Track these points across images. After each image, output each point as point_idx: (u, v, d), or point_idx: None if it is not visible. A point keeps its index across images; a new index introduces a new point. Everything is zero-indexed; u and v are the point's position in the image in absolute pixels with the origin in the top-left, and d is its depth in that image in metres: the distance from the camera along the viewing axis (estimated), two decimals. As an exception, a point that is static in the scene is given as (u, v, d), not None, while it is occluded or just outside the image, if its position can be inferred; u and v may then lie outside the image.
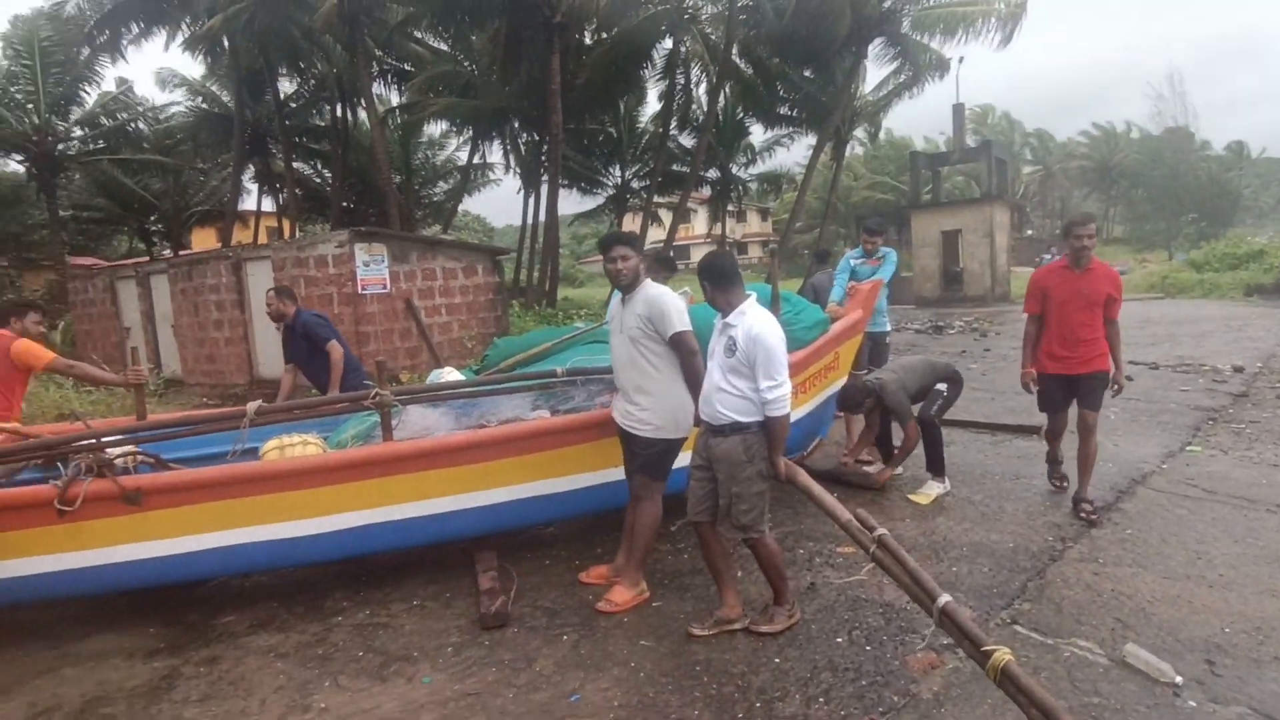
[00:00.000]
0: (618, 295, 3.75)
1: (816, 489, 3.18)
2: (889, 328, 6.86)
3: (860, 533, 2.91)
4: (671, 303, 3.52)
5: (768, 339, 3.14)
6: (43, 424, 5.60)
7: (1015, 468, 5.70)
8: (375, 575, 4.16)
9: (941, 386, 5.32)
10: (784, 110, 24.21)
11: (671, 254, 6.59)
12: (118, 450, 3.51)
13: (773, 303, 4.41)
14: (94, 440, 3.43)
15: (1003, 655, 2.34)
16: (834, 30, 17.35)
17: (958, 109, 25.39)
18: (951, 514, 4.77)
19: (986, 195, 23.91)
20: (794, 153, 45.10)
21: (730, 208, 33.14)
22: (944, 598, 2.58)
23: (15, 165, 24.59)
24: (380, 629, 3.50)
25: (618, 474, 3.87)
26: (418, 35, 21.71)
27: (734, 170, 28.13)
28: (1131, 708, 2.70)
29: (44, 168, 22.00)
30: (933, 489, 5.13)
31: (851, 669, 2.99)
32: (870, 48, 20.80)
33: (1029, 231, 54.26)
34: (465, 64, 21.99)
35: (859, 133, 28.80)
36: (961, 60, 28.43)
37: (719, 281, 3.30)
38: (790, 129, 25.42)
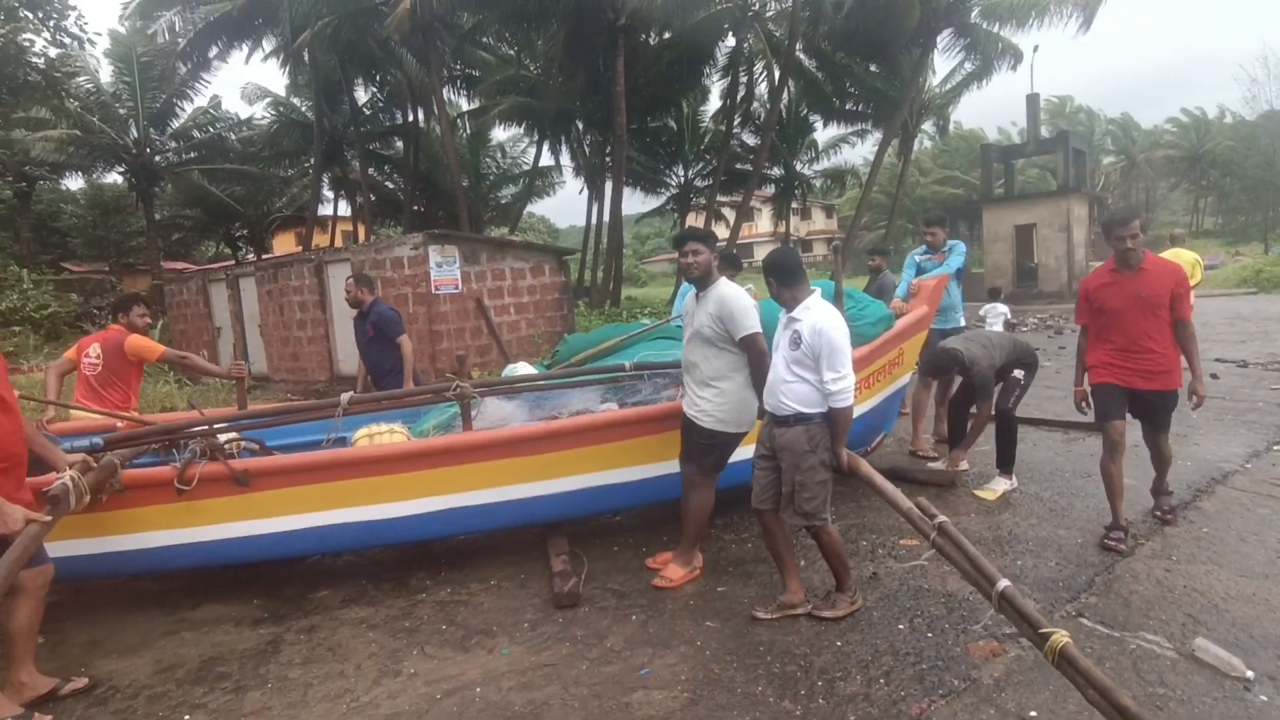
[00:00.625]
0: (691, 291, 3.90)
1: (878, 478, 3.26)
2: (963, 323, 6.72)
3: (921, 520, 2.98)
4: (742, 304, 3.65)
5: (832, 332, 3.24)
6: (151, 415, 6.10)
7: (1087, 466, 5.60)
8: (455, 558, 4.42)
9: (1019, 373, 5.26)
10: (849, 106, 23.90)
11: (735, 252, 6.69)
12: (225, 436, 3.86)
13: (836, 298, 4.47)
14: (207, 426, 3.79)
15: (1060, 638, 2.39)
16: (901, 23, 17.06)
17: (1032, 99, 24.53)
18: (1019, 510, 4.75)
19: (1063, 188, 23.03)
20: (860, 149, 44.27)
21: (794, 205, 32.84)
22: (1003, 582, 2.63)
23: (116, 177, 26.41)
24: (461, 606, 3.74)
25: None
26: (485, 41, 22.32)
27: (798, 167, 27.88)
28: (1198, 699, 2.70)
29: (142, 179, 23.50)
30: (999, 485, 5.09)
31: (913, 653, 3.06)
32: (938, 39, 20.36)
33: (1110, 225, 51.83)
34: (531, 68, 22.49)
35: (927, 126, 28.11)
36: (1036, 49, 27.44)
37: (784, 278, 3.41)
38: (856, 125, 25.07)
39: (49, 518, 2.77)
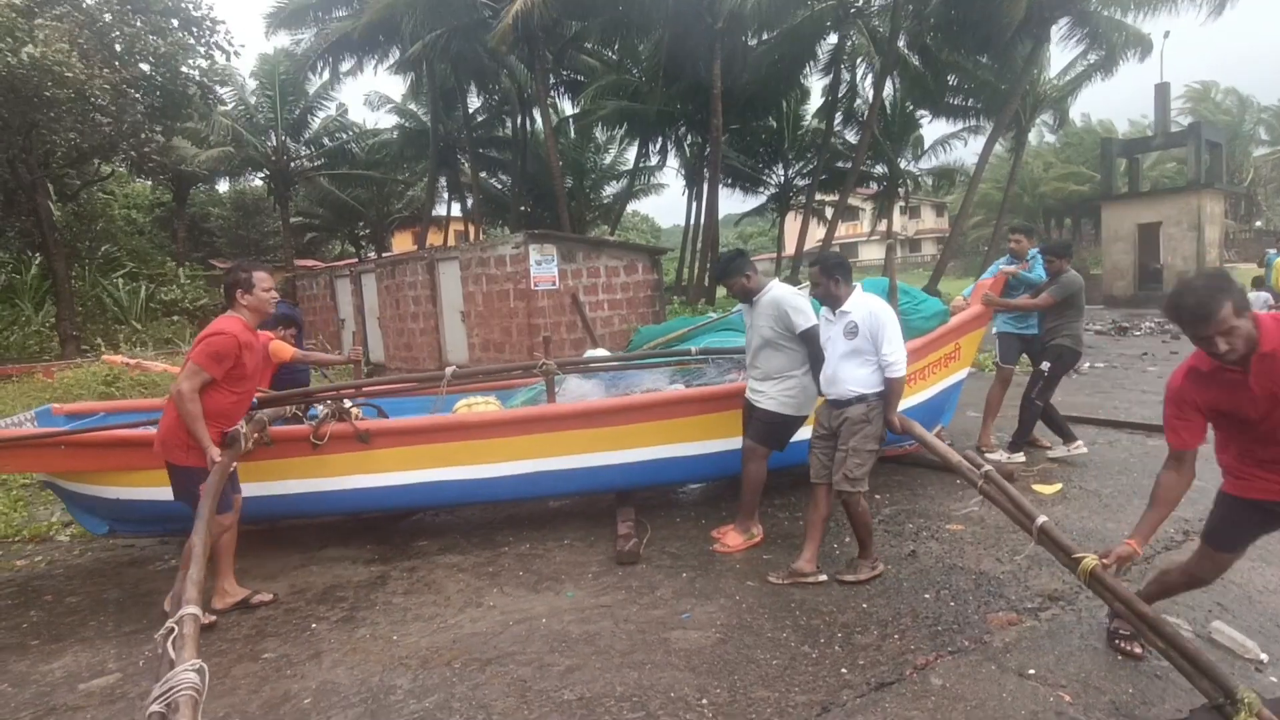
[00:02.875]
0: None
1: (930, 437, 3.69)
2: (1015, 328, 6.65)
3: (969, 470, 3.30)
4: (796, 302, 4.07)
5: (882, 314, 3.70)
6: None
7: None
8: (535, 520, 5.02)
9: (1045, 366, 5.50)
10: (956, 100, 23.20)
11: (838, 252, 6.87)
12: (349, 403, 4.61)
13: (890, 295, 4.75)
14: (335, 389, 4.55)
15: (1090, 560, 2.68)
16: (1009, 14, 16.52)
17: (1160, 89, 23.00)
18: (1072, 504, 4.86)
19: (1193, 183, 21.53)
20: (973, 145, 42.58)
21: (900, 203, 32.07)
22: (1041, 518, 2.93)
23: (257, 181, 29.15)
24: (536, 558, 4.31)
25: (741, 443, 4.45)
26: (589, 47, 23.17)
27: (903, 164, 27.28)
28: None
29: (280, 183, 25.87)
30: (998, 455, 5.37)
31: (931, 617, 3.36)
32: (1054, 29, 19.50)
33: (1258, 223, 47.48)
34: (633, 71, 23.17)
35: (1043, 120, 26.82)
36: (1167, 35, 25.71)
37: (845, 274, 3.83)
38: (965, 120, 24.30)
39: (229, 455, 3.51)
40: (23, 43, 11.08)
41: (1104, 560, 2.69)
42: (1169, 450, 2.76)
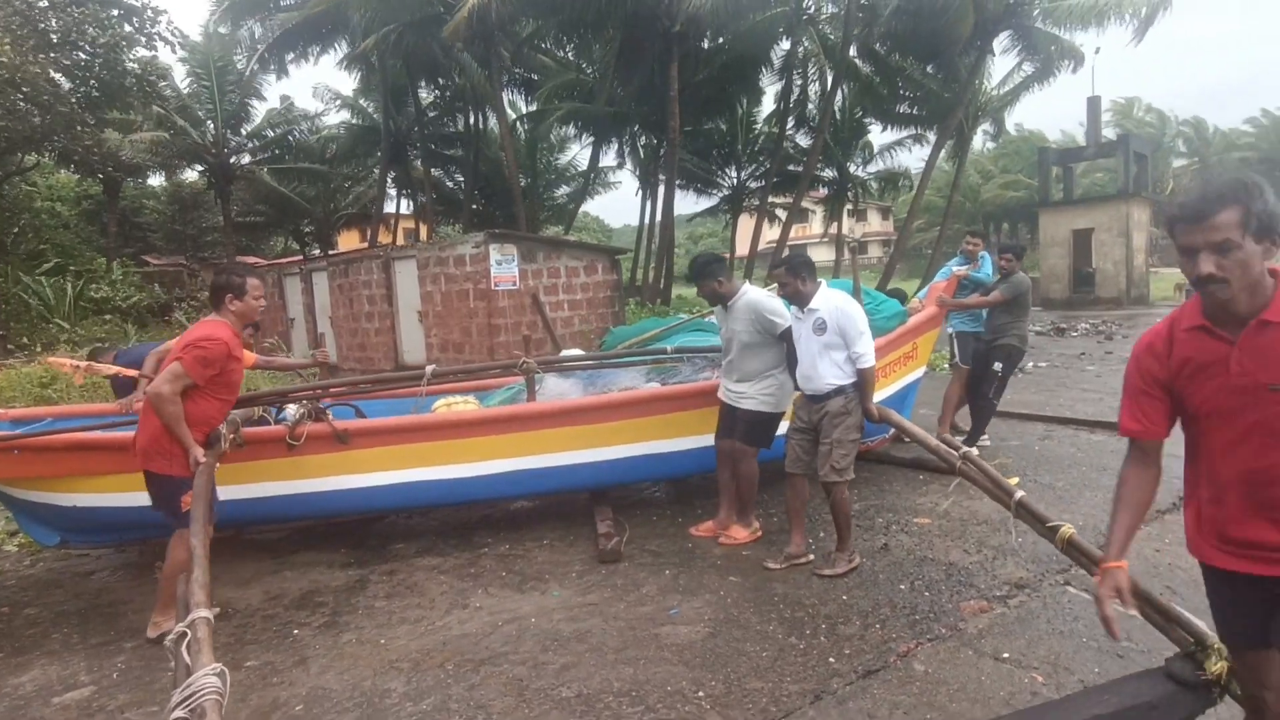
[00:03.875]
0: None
1: (907, 422, 3.85)
2: (971, 327, 6.92)
3: (948, 453, 3.44)
4: (771, 304, 4.21)
5: (849, 308, 3.87)
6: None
7: (1103, 461, 5.88)
8: (512, 521, 5.02)
9: (997, 366, 5.79)
10: (903, 108, 23.89)
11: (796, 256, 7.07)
12: (325, 401, 4.53)
13: (855, 294, 4.90)
14: (312, 390, 4.46)
15: (1068, 529, 2.81)
16: (957, 28, 17.09)
17: (1093, 102, 24.14)
18: (1029, 496, 5.08)
19: (1122, 192, 22.65)
20: (918, 152, 43.98)
21: (849, 207, 32.81)
22: (1020, 493, 3.07)
23: (194, 174, 28.08)
24: (518, 558, 4.31)
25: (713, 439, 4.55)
26: (544, 46, 23.06)
27: (851, 169, 27.92)
28: (1158, 650, 3.06)
29: (219, 176, 24.98)
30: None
31: (908, 607, 3.50)
32: (996, 41, 20.27)
33: (1179, 229, 50.06)
34: (588, 71, 23.15)
35: (984, 129, 27.82)
36: (1098, 51, 26.93)
37: (810, 273, 3.98)
38: (911, 127, 25.03)
39: (213, 456, 3.40)
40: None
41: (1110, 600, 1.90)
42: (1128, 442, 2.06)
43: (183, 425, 3.29)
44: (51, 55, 12.56)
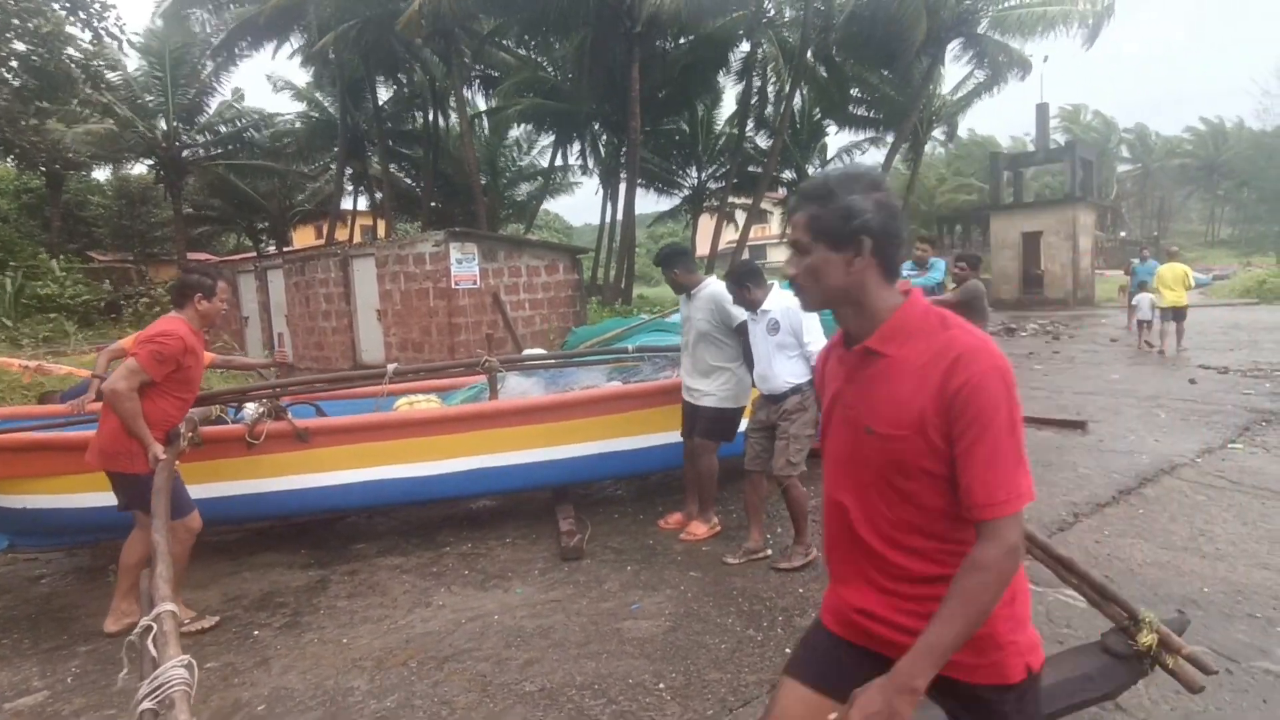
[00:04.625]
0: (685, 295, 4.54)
1: None
2: None
3: None
4: (730, 299, 4.27)
5: (798, 309, 3.94)
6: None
7: (1048, 457, 6.12)
8: (474, 521, 5.03)
9: None
10: (860, 111, 24.38)
11: (746, 255, 7.25)
12: (284, 400, 4.49)
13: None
14: (272, 388, 4.42)
15: None
16: (910, 34, 17.53)
17: (1041, 108, 24.94)
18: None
19: (1069, 196, 23.44)
20: (875, 155, 44.80)
21: (806, 208, 33.24)
22: None
23: (142, 168, 27.25)
24: (480, 557, 4.34)
25: (678, 437, 4.63)
26: (506, 43, 22.94)
27: (810, 171, 28.34)
28: (1096, 634, 3.23)
29: (171, 171, 24.28)
30: None
31: (862, 599, 3.62)
32: (948, 49, 20.82)
33: (1122, 233, 51.93)
34: (549, 70, 23.10)
35: (937, 133, 28.52)
36: (1045, 60, 27.89)
37: (757, 280, 4.11)
38: (868, 131, 25.55)
39: (172, 453, 3.37)
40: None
41: None
42: None
43: (140, 421, 3.25)
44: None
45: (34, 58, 13.32)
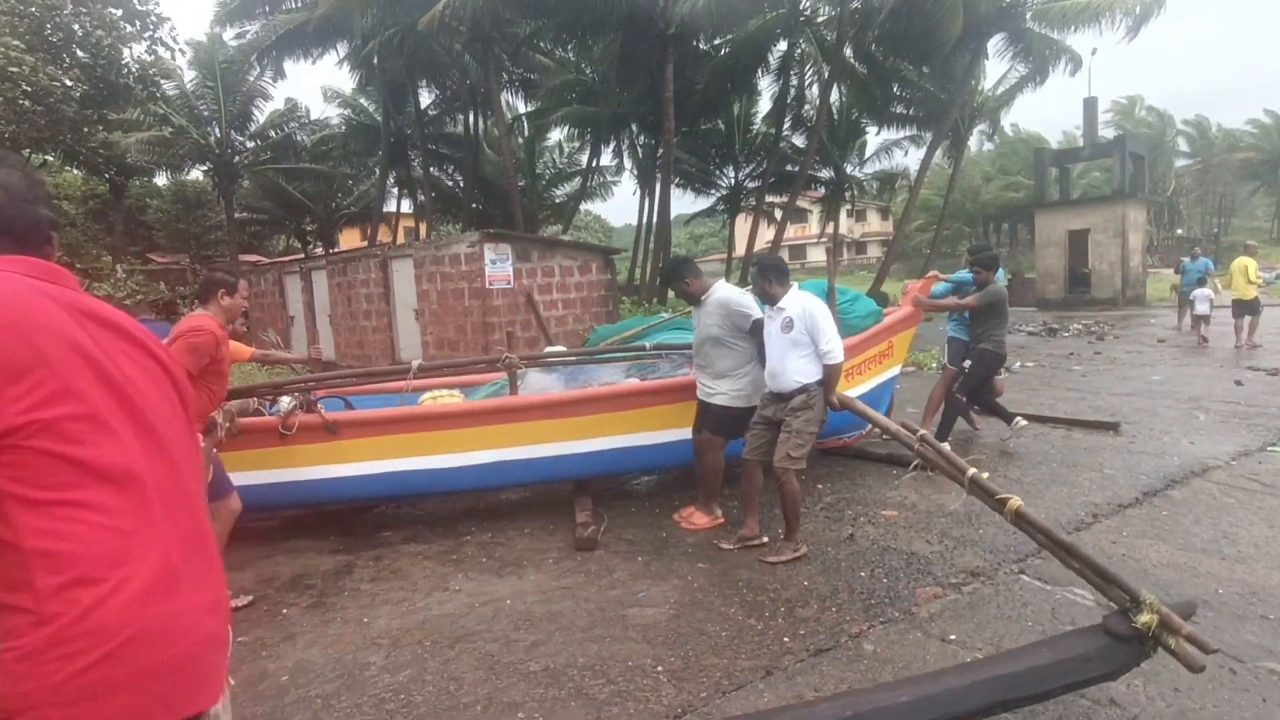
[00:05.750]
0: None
1: (866, 407, 4.06)
2: (963, 334, 6.84)
3: (906, 436, 3.61)
4: (741, 300, 4.44)
5: (815, 309, 4.07)
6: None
7: (1075, 458, 6.05)
8: (495, 511, 5.21)
9: (967, 364, 6.03)
10: (899, 109, 24.07)
11: (780, 254, 7.34)
12: (317, 394, 4.73)
13: (829, 295, 5.08)
14: (304, 382, 4.67)
15: (1015, 501, 2.99)
16: (948, 29, 17.26)
17: (1089, 102, 24.26)
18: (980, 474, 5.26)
19: (1118, 193, 22.77)
20: (914, 153, 44.16)
21: (846, 207, 32.99)
22: (972, 470, 3.23)
23: (198, 173, 28.35)
24: (498, 546, 4.50)
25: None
26: (543, 46, 23.25)
27: (848, 169, 28.09)
28: (1096, 633, 3.24)
29: (224, 176, 25.23)
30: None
31: (865, 592, 3.68)
32: (990, 44, 20.44)
33: (1179, 230, 50.20)
34: (587, 72, 23.34)
35: (980, 130, 27.99)
36: (1094, 52, 27.14)
37: (779, 276, 4.21)
38: (907, 128, 25.21)
39: (210, 441, 3.61)
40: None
41: None
42: None
43: None
44: (61, 57, 12.78)
45: (96, 68, 13.96)
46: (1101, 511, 4.78)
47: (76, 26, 13.49)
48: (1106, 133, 32.75)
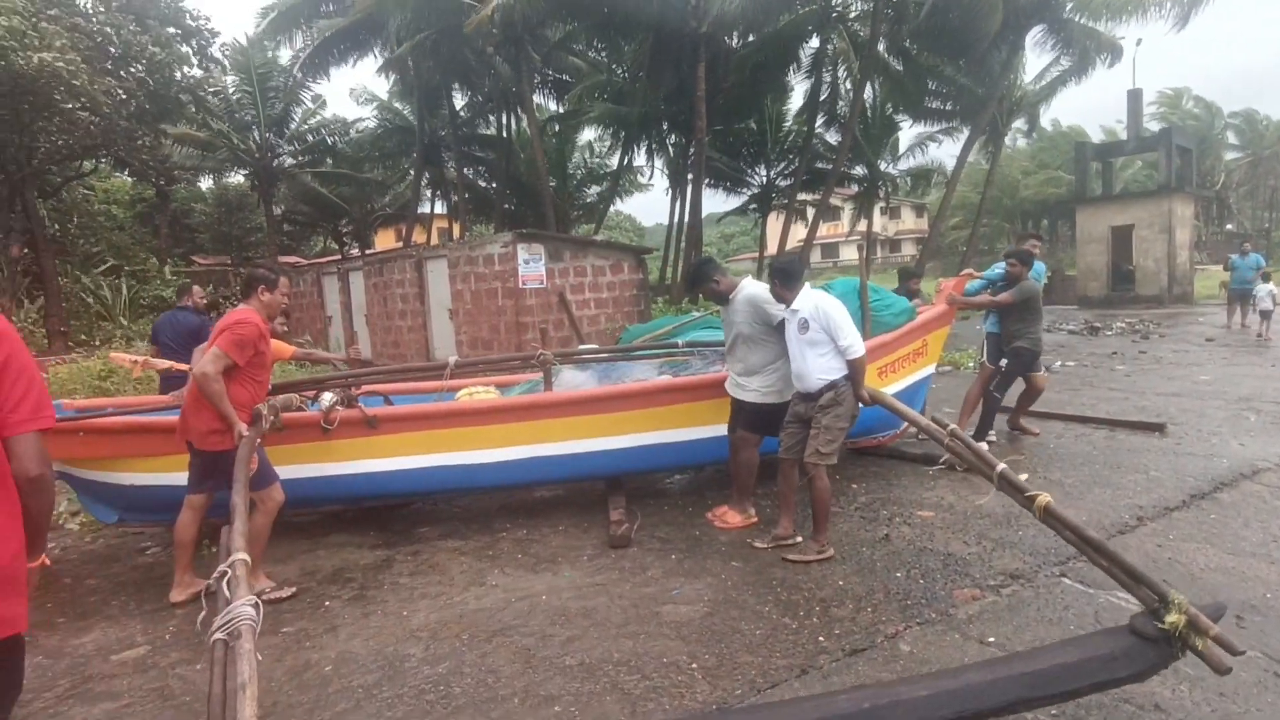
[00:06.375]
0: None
1: (897, 402, 4.03)
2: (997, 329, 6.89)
3: (937, 430, 3.56)
4: (767, 296, 4.43)
5: (828, 306, 4.07)
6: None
7: (1119, 459, 5.92)
8: (529, 508, 5.27)
9: (1003, 363, 5.94)
10: (935, 104, 23.70)
11: (810, 253, 7.30)
12: (356, 390, 4.83)
13: (861, 294, 5.05)
14: (345, 378, 4.78)
15: (1044, 497, 2.94)
16: (986, 24, 16.96)
17: (1133, 95, 23.63)
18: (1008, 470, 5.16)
19: (1164, 187, 22.14)
20: (949, 147, 43.44)
21: (880, 204, 32.59)
22: (1001, 465, 3.18)
23: (239, 177, 29.08)
24: (533, 543, 4.56)
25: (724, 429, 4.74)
26: (576, 48, 23.37)
27: (883, 166, 27.73)
28: (1140, 637, 3.18)
29: (263, 180, 25.81)
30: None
31: (901, 593, 3.65)
32: (1029, 36, 20.02)
33: (1229, 226, 48.64)
34: (618, 72, 23.40)
35: (1018, 125, 27.41)
36: (1139, 43, 26.43)
37: (789, 280, 4.22)
38: (943, 124, 24.82)
39: (255, 431, 3.71)
40: (33, 48, 11.14)
41: None
42: None
43: (226, 402, 3.61)
44: (116, 71, 13.23)
45: (150, 82, 14.43)
46: (1146, 514, 4.68)
47: (132, 41, 13.96)
48: (1151, 126, 31.81)
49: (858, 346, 4.04)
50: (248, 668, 1.74)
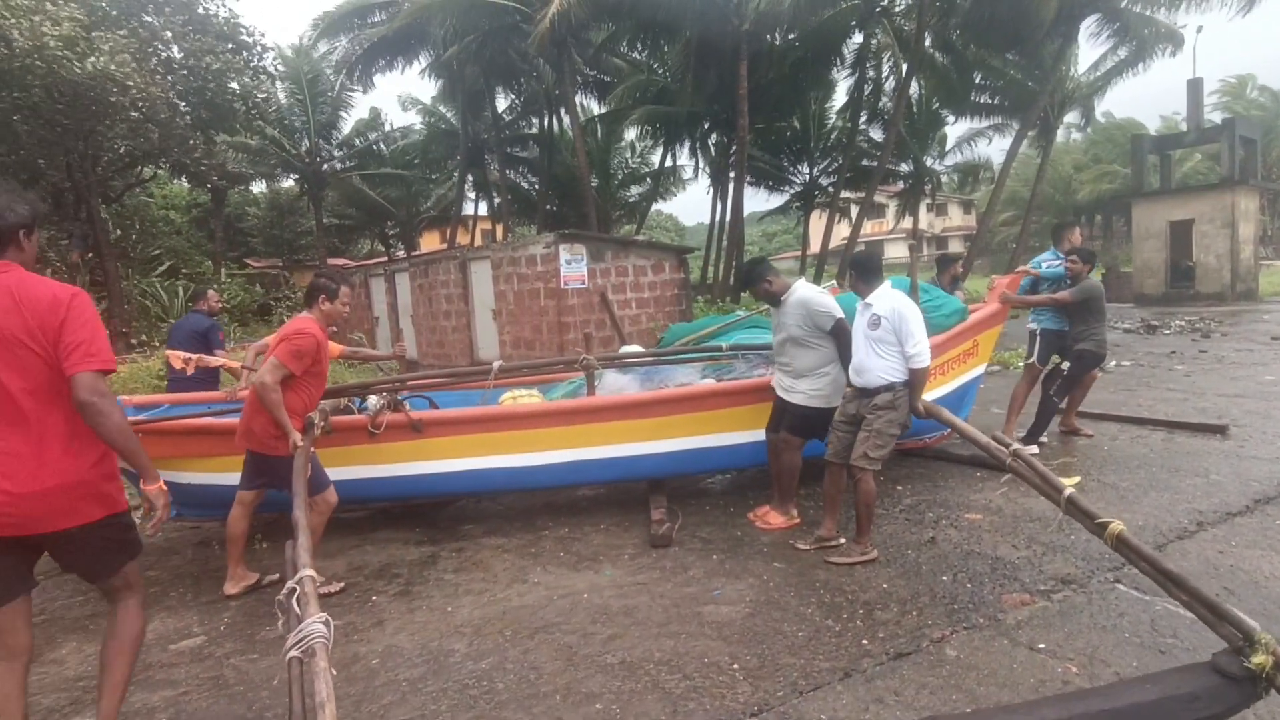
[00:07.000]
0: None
1: (957, 420, 3.90)
2: (1060, 326, 6.40)
3: (998, 449, 3.48)
4: (822, 300, 4.41)
5: (904, 309, 4.00)
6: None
7: (1177, 462, 5.71)
8: (572, 507, 5.31)
9: (1065, 365, 5.77)
10: (983, 98, 23.15)
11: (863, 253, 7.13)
12: (402, 394, 4.92)
13: (911, 291, 4.96)
14: (389, 382, 4.88)
15: (1117, 525, 2.84)
16: (1039, 13, 16.49)
17: (1193, 84, 22.73)
18: (1091, 496, 5.00)
19: (1227, 180, 21.25)
20: (999, 143, 42.30)
21: (926, 201, 31.99)
22: (1069, 489, 3.11)
23: (290, 181, 29.88)
24: (575, 541, 4.59)
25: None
26: (618, 49, 23.45)
27: (928, 162, 27.19)
28: (1204, 647, 3.06)
29: (313, 184, 26.49)
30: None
31: (948, 597, 3.58)
32: (1083, 25, 19.42)
33: (1297, 219, 46.42)
34: (660, 72, 23.41)
35: (1071, 118, 26.63)
36: (1200, 31, 25.46)
37: (867, 275, 4.20)
38: (991, 118, 24.23)
39: (309, 439, 3.81)
40: (86, 55, 11.60)
41: None
42: None
43: (283, 411, 3.70)
44: (171, 80, 13.71)
45: (206, 91, 14.91)
46: (1207, 519, 4.50)
47: (180, 53, 14.48)
48: (1213, 117, 30.53)
49: (923, 356, 3.98)
50: (325, 687, 1.78)
